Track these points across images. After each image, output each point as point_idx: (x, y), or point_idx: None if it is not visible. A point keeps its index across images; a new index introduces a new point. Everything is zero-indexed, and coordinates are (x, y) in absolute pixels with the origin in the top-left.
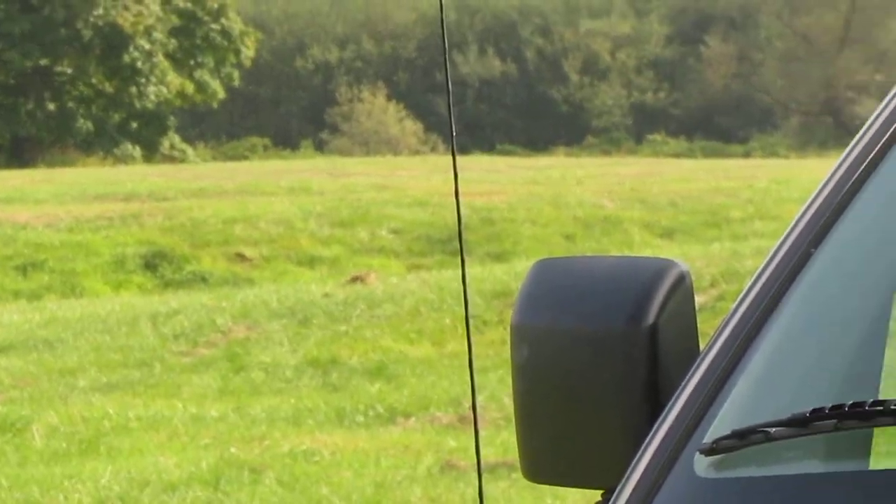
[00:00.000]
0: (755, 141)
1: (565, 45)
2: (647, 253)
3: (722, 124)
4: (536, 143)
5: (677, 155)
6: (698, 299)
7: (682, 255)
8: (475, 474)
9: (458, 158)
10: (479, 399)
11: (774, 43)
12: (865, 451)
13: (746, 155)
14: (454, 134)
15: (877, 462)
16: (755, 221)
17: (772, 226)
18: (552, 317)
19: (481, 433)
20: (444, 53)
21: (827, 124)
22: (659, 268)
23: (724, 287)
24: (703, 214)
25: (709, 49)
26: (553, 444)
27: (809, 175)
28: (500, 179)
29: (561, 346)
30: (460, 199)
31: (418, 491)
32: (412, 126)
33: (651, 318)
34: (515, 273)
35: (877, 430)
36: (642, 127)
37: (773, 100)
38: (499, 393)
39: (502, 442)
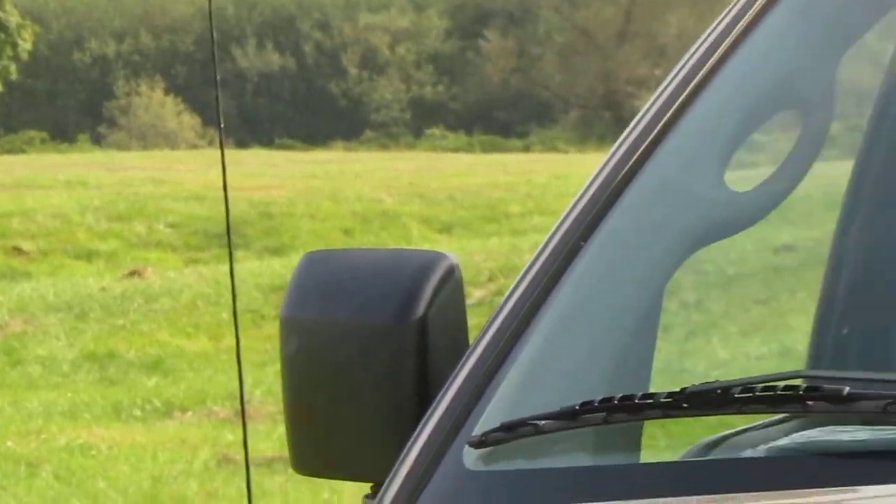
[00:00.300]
0: (534, 135)
1: (344, 39)
2: (425, 248)
3: (501, 119)
4: (315, 137)
5: (456, 149)
6: (477, 294)
7: (461, 250)
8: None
9: (237, 153)
10: (257, 393)
11: (553, 37)
12: (635, 444)
13: (526, 149)
14: (222, 126)
15: (647, 455)
16: (534, 216)
17: (551, 220)
18: (321, 309)
19: (259, 427)
20: (213, 45)
21: (606, 119)
22: (428, 261)
23: (503, 282)
24: (482, 209)
25: (488, 44)
26: (322, 438)
27: (588, 169)
28: (279, 174)
29: (330, 339)
30: (239, 193)
31: (195, 485)
32: (190, 120)
33: (420, 311)
34: (293, 267)
35: (647, 424)
36: (421, 121)
37: (552, 94)
38: (276, 387)
39: (279, 436)
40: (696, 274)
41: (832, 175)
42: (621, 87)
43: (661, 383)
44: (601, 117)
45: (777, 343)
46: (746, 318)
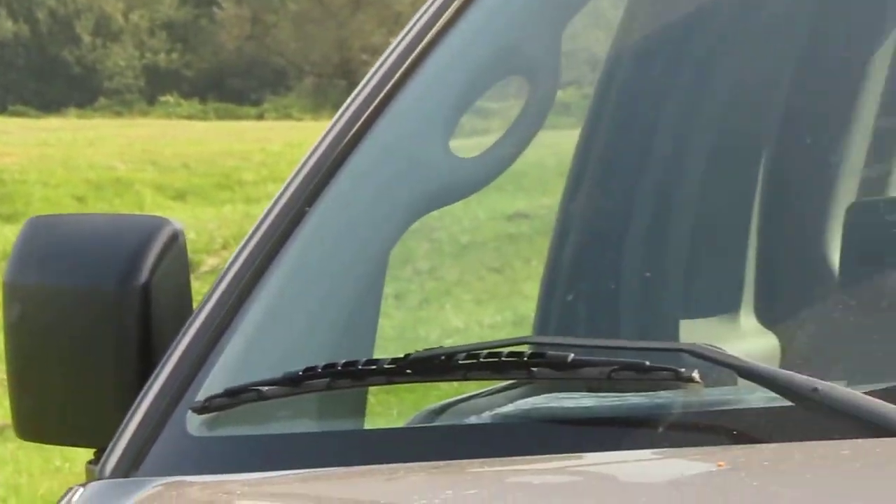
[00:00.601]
0: (269, 103)
1: (77, 6)
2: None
3: (235, 86)
4: (49, 104)
5: (190, 117)
6: (210, 261)
7: (194, 218)
8: None
9: None
10: None
11: (288, 5)
12: (360, 410)
13: (260, 117)
14: None
15: (371, 422)
16: (268, 184)
17: None
18: (44, 275)
19: None
20: None
21: (341, 87)
22: (152, 226)
23: (236, 249)
24: (216, 177)
25: (223, 11)
26: (46, 404)
27: None
28: (12, 141)
29: (53, 305)
30: None
31: None
32: None
33: (144, 276)
34: None
35: (371, 390)
36: (155, 89)
37: (287, 62)
38: None
39: None
40: (430, 241)
41: (567, 142)
42: (356, 54)
43: (394, 351)
44: (336, 85)
45: (511, 311)
46: (480, 286)
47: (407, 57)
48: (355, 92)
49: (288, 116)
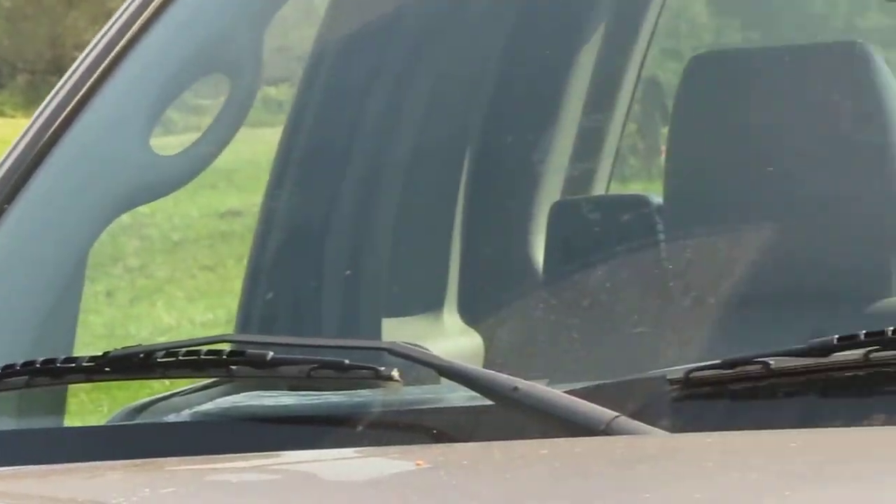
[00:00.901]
0: None
1: None
2: None
3: None
4: None
5: None
6: None
7: None
8: None
9: None
10: None
11: (2, 2)
12: (60, 408)
13: None
14: None
15: (71, 420)
16: None
17: None
18: None
19: None
20: None
21: (53, 83)
22: None
23: None
24: None
25: None
26: None
27: None
28: None
29: None
30: None
31: None
32: None
33: None
34: None
35: (71, 388)
36: None
37: None
38: None
39: None
40: (141, 238)
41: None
42: (69, 51)
43: (104, 349)
44: (48, 82)
45: (224, 309)
46: (192, 284)
47: (108, 54)
48: (55, 89)
49: (0, 114)
